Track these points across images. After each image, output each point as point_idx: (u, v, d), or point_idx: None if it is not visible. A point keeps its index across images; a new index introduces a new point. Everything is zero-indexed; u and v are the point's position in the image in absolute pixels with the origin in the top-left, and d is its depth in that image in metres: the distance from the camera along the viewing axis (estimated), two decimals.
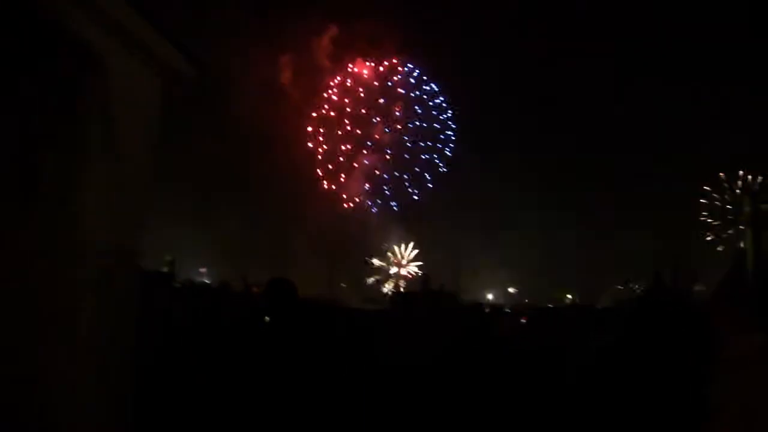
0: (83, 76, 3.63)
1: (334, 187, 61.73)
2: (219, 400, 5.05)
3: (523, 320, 13.47)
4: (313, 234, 55.62)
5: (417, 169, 63.19)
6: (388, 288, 60.50)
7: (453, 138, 63.60)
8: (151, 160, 4.43)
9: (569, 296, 53.70)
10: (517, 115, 58.54)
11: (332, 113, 62.28)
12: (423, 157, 63.32)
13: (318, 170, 61.50)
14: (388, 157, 62.33)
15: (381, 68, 63.12)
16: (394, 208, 62.50)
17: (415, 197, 62.86)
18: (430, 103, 63.64)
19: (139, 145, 4.22)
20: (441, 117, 63.89)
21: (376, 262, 62.36)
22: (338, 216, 59.57)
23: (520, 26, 55.23)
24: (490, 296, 55.17)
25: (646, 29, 58.61)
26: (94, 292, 3.69)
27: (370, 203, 62.06)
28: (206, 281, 40.26)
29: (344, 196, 61.93)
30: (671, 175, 54.92)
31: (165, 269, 32.20)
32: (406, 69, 63.33)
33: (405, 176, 62.92)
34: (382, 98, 62.82)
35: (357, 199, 62.00)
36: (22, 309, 3.26)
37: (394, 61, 62.88)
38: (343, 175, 62.02)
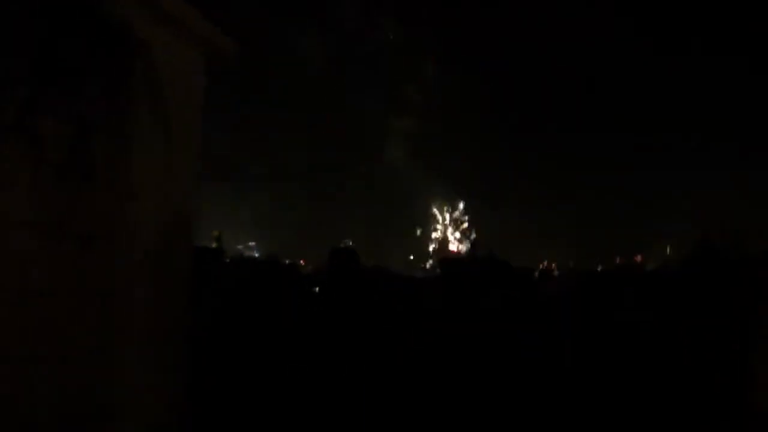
0: (129, 58, 3.69)
1: None
2: (276, 367, 5.14)
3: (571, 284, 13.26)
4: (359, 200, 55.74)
5: None
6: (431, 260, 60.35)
7: None
8: (199, 138, 4.48)
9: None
10: None
11: None
12: None
13: None
14: None
15: None
16: None
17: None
18: None
19: (187, 123, 4.28)
20: None
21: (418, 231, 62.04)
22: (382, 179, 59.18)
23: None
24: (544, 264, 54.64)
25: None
26: (149, 273, 3.77)
27: None
28: (256, 255, 40.65)
29: None
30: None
31: (214, 244, 32.55)
32: None
33: None
34: None
35: None
36: (79, 291, 3.36)
37: None
38: None
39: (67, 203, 3.30)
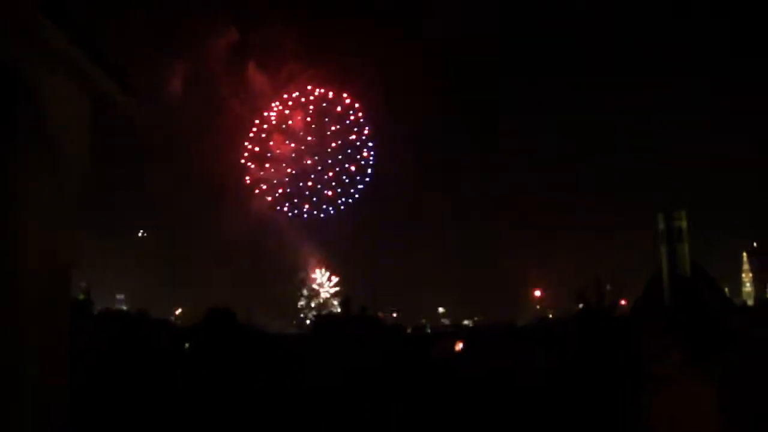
0: (16, 101, 3.68)
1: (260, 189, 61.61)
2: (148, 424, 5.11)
3: (459, 344, 13.62)
4: (230, 254, 55.20)
5: (334, 184, 64.01)
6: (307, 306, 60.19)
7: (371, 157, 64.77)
8: (82, 180, 4.45)
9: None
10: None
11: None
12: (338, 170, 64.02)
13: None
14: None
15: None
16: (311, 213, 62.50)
17: (332, 211, 63.32)
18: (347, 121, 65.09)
19: (73, 168, 4.25)
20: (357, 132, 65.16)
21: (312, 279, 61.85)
22: (253, 233, 59.28)
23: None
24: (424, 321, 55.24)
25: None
26: (32, 326, 3.72)
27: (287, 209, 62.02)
28: (124, 308, 39.20)
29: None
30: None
31: (81, 296, 31.20)
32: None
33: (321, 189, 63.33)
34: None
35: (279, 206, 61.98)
36: None
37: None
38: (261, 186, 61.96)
39: None
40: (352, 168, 63.97)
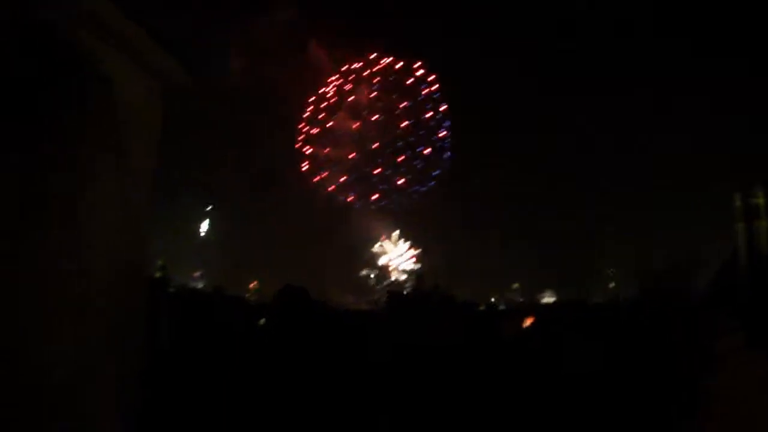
0: (88, 87, 3.69)
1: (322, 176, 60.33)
2: (220, 402, 5.13)
3: (528, 321, 13.37)
4: (301, 231, 55.28)
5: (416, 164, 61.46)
6: (379, 283, 59.82)
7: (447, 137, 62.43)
8: (153, 169, 4.49)
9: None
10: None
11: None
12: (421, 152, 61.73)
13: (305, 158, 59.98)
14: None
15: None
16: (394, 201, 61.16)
17: (415, 195, 61.23)
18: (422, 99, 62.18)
19: (143, 155, 4.29)
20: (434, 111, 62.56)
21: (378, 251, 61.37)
22: (325, 211, 58.65)
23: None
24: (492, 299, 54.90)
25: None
26: (104, 307, 3.75)
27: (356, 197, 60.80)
28: (200, 286, 40.15)
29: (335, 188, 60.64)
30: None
31: (158, 274, 31.99)
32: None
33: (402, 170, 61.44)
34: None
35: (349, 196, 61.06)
36: (33, 324, 3.33)
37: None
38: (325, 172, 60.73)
39: (23, 236, 3.27)
40: (426, 151, 61.10)
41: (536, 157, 60.00)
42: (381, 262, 62.22)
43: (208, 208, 54.21)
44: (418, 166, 60.72)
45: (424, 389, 6.72)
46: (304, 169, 60.38)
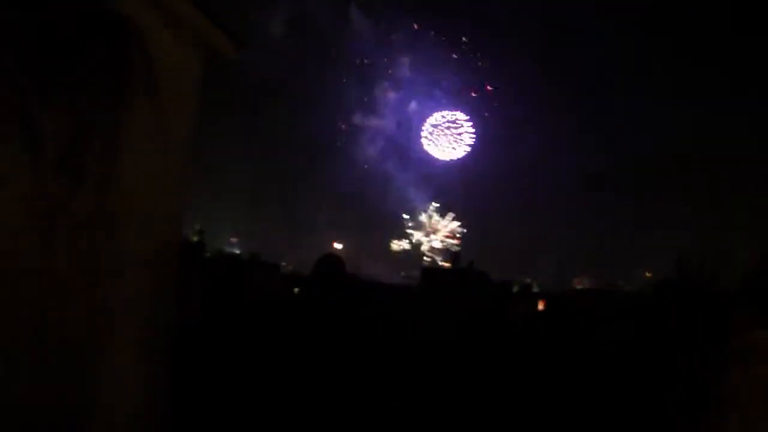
0: (129, 52, 3.70)
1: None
2: (255, 372, 5.17)
3: (540, 305, 13.30)
4: (341, 201, 55.44)
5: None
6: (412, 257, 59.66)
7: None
8: (192, 137, 4.50)
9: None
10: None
11: None
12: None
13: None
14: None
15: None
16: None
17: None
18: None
19: (183, 122, 4.30)
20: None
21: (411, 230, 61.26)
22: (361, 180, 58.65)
23: None
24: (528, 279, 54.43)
25: None
26: (138, 268, 3.79)
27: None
28: (237, 251, 40.50)
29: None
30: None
31: (195, 239, 32.28)
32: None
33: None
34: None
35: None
36: (74, 274, 3.38)
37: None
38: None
39: (63, 198, 3.31)
40: (465, 118, 61.19)
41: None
42: (416, 236, 62.12)
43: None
44: (458, 132, 60.89)
45: (448, 372, 6.74)
46: (345, 129, 60.70)
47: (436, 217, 62.20)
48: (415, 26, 61.26)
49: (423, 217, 62.43)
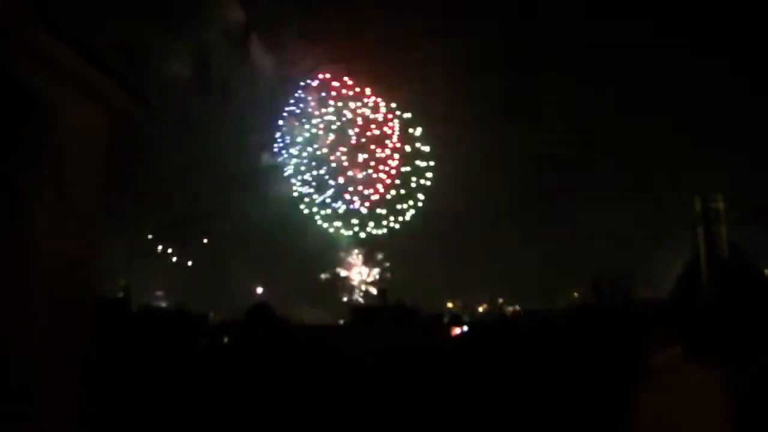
0: (32, 118, 3.71)
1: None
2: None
3: (457, 330, 13.57)
4: (261, 243, 54.61)
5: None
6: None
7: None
8: (102, 191, 4.49)
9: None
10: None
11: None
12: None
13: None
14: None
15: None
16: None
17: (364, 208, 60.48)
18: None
19: (90, 178, 4.30)
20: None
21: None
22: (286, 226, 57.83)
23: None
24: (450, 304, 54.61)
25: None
26: (47, 323, 3.74)
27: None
28: (163, 304, 39.65)
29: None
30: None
31: (120, 294, 31.65)
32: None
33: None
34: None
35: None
36: None
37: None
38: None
39: None
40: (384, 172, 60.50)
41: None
42: (343, 273, 61.62)
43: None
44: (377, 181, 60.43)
45: (387, 399, 6.82)
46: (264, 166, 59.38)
47: (358, 254, 61.91)
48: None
49: (348, 255, 62.16)
